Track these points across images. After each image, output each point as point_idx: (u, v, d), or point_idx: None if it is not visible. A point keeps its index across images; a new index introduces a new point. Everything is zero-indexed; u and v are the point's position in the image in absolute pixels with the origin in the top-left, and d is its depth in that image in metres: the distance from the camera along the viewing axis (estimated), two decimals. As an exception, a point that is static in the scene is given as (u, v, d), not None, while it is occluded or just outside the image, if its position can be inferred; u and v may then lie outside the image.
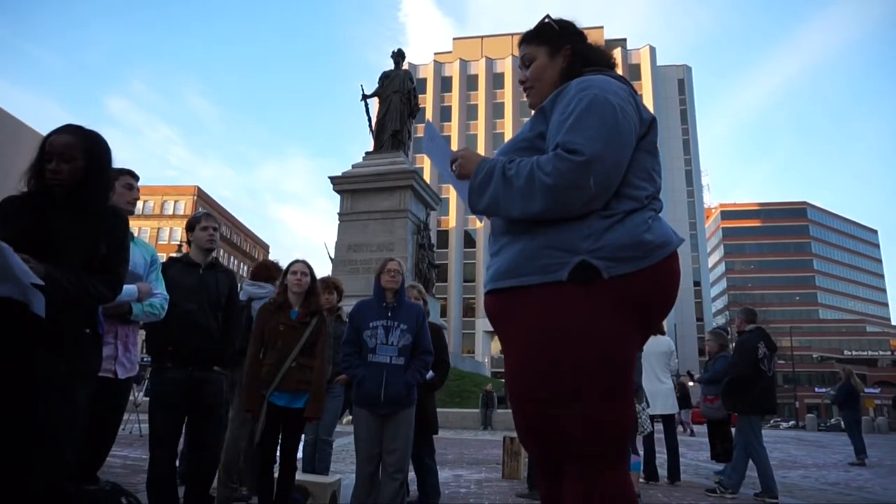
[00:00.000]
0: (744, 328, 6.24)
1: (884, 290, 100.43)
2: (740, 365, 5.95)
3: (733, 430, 6.42)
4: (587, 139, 1.42)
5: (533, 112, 1.69)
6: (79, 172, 2.13)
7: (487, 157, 1.59)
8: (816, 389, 64.86)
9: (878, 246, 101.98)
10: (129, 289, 2.85)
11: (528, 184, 1.45)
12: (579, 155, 1.41)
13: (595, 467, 1.43)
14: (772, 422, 34.56)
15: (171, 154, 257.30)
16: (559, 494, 1.52)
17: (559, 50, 1.70)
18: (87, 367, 2.16)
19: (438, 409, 4.65)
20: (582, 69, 1.66)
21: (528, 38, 1.75)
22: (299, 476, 3.89)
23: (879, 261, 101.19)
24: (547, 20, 1.74)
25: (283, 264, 4.09)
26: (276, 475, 3.55)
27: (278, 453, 3.61)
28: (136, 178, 3.20)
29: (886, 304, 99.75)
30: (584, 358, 1.42)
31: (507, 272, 1.51)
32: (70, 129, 2.18)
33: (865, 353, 75.67)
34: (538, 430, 1.50)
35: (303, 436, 3.95)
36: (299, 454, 3.83)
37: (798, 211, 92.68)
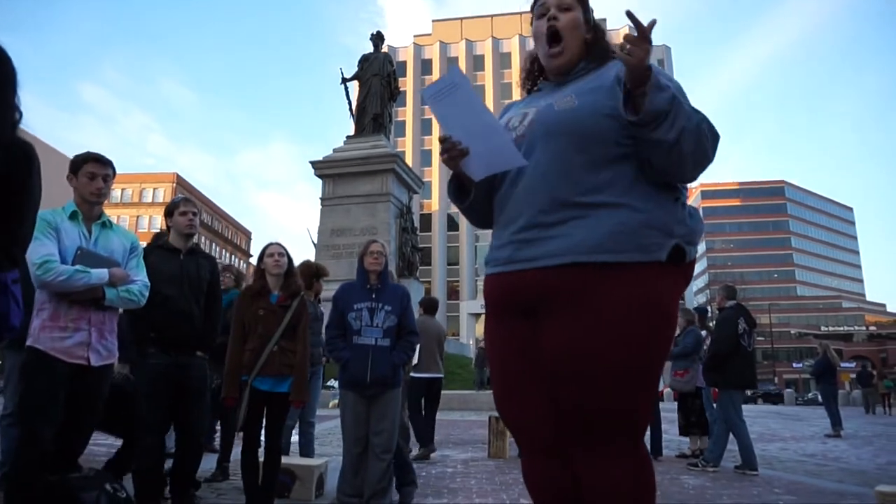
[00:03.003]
0: (724, 304, 6.34)
1: (859, 267, 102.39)
2: (721, 340, 6.05)
3: (715, 404, 6.55)
4: None
5: (576, 78, 1.64)
6: None
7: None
8: (794, 365, 66.22)
9: (853, 223, 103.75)
10: (99, 273, 2.78)
11: (711, 130, 1.45)
12: None
13: (638, 443, 1.51)
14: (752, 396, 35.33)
15: (149, 141, 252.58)
16: (565, 473, 1.53)
17: (587, 20, 1.70)
18: None
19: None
20: (610, 51, 1.68)
21: None
22: (285, 459, 3.90)
23: (855, 238, 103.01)
24: None
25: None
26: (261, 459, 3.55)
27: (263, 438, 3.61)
28: (104, 163, 2.96)
29: (861, 281, 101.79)
30: (668, 335, 1.52)
31: (600, 247, 1.44)
32: None
33: (842, 328, 77.30)
34: (587, 407, 1.45)
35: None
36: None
37: (776, 189, 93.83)
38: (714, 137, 1.47)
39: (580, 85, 1.60)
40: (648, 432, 6.95)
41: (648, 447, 7.21)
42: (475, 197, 1.73)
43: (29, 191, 1.65)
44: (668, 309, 1.49)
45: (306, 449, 5.08)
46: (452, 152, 1.60)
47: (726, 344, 5.97)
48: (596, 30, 1.72)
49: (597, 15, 1.79)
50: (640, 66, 1.37)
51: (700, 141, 1.43)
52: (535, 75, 1.83)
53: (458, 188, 1.77)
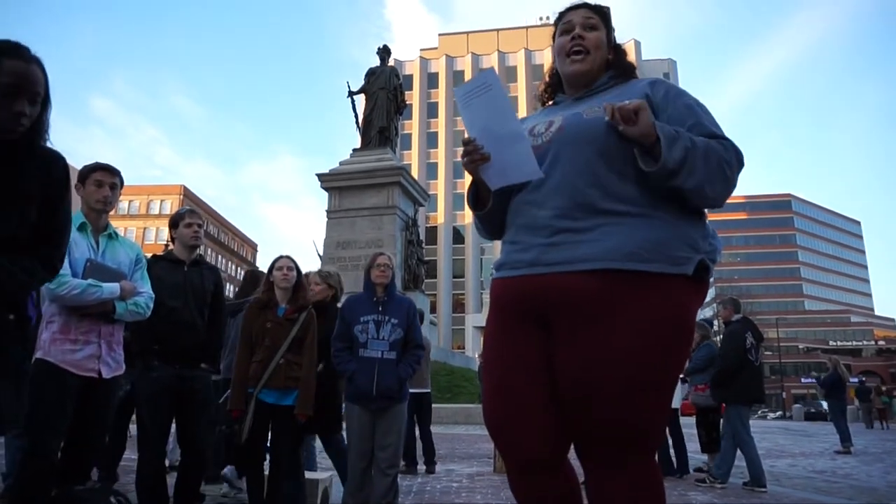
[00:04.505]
0: (730, 318, 6.30)
1: (867, 281, 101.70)
2: (728, 355, 6.00)
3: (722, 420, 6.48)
4: None
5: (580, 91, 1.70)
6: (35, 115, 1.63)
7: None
8: (803, 380, 65.62)
9: (861, 237, 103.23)
10: (111, 287, 2.80)
11: (738, 157, 1.50)
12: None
13: (651, 457, 1.51)
14: (759, 412, 34.99)
15: (157, 154, 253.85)
16: (566, 485, 1.56)
17: (609, 40, 1.75)
18: (12, 359, 1.69)
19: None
20: (632, 68, 1.77)
21: (595, 9, 1.75)
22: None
23: (863, 251, 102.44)
24: (608, 10, 1.80)
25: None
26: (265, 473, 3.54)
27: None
28: (112, 172, 2.96)
29: (870, 295, 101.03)
30: (687, 349, 1.53)
31: (634, 255, 1.42)
32: (32, 58, 1.62)
33: (850, 343, 76.59)
34: (614, 420, 1.43)
35: None
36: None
37: (783, 203, 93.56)
38: (740, 164, 1.51)
39: (606, 98, 1.60)
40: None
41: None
42: (492, 207, 1.69)
43: (69, 205, 1.75)
44: (689, 324, 1.51)
45: (308, 462, 5.04)
46: (474, 156, 1.59)
47: (734, 358, 5.93)
48: (617, 50, 1.77)
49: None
50: (644, 135, 1.42)
51: (721, 179, 1.47)
52: (553, 89, 1.84)
53: (476, 196, 1.74)
